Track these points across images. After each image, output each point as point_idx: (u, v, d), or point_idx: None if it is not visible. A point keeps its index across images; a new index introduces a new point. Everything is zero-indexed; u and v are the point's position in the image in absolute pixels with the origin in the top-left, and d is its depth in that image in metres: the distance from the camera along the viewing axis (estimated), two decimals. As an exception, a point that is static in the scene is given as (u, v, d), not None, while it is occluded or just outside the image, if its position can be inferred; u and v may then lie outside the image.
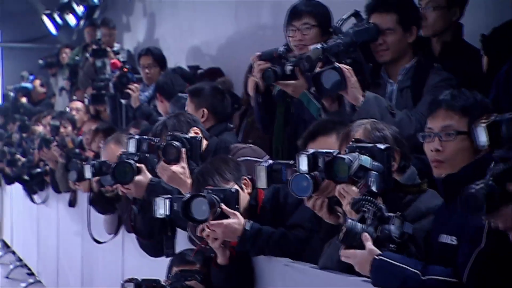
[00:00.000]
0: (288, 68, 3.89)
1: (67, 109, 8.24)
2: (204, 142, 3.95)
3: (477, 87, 3.15)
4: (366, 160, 2.65)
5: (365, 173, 2.64)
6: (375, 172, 2.63)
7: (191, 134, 3.93)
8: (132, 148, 3.97)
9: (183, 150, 3.79)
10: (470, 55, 3.80)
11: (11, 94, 11.62)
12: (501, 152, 2.13)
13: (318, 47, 3.61)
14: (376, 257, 2.43)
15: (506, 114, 2.28)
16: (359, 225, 2.49)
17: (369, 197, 2.54)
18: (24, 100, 11.45)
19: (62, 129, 7.56)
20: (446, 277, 2.39)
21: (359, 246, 2.48)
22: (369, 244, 2.46)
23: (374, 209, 2.51)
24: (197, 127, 4.01)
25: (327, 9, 4.09)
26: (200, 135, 3.96)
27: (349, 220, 2.50)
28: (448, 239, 2.55)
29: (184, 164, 3.77)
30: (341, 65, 3.46)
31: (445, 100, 2.80)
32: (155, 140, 3.94)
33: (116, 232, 5.30)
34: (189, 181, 3.70)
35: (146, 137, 4.04)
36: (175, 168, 3.76)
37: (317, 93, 3.55)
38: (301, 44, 3.99)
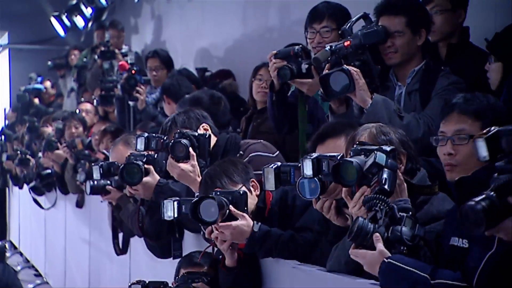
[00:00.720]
0: (304, 66, 3.88)
1: (77, 111, 8.24)
2: (213, 139, 3.95)
3: (484, 89, 3.15)
4: (381, 157, 2.62)
5: (378, 170, 2.61)
6: (389, 170, 2.61)
7: (201, 130, 3.93)
8: (141, 146, 3.97)
9: (191, 148, 3.79)
10: (477, 58, 3.79)
11: (26, 95, 11.60)
12: (502, 164, 2.10)
13: (327, 49, 3.60)
14: (385, 260, 2.42)
15: (506, 126, 2.26)
16: (370, 225, 2.48)
17: (381, 196, 2.51)
18: (37, 101, 11.46)
19: (73, 130, 7.56)
20: (455, 281, 2.37)
21: (369, 246, 2.47)
22: (380, 245, 2.45)
23: (386, 209, 2.49)
24: (206, 123, 4.01)
25: (348, 11, 4.07)
26: (209, 131, 3.96)
27: (360, 219, 2.48)
28: (459, 242, 2.54)
29: (194, 161, 3.76)
30: (350, 67, 3.44)
31: (458, 103, 2.78)
32: (164, 138, 3.94)
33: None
34: (199, 179, 3.68)
35: (155, 135, 4.03)
36: (184, 166, 3.75)
37: (325, 95, 3.53)
38: (320, 46, 3.96)
